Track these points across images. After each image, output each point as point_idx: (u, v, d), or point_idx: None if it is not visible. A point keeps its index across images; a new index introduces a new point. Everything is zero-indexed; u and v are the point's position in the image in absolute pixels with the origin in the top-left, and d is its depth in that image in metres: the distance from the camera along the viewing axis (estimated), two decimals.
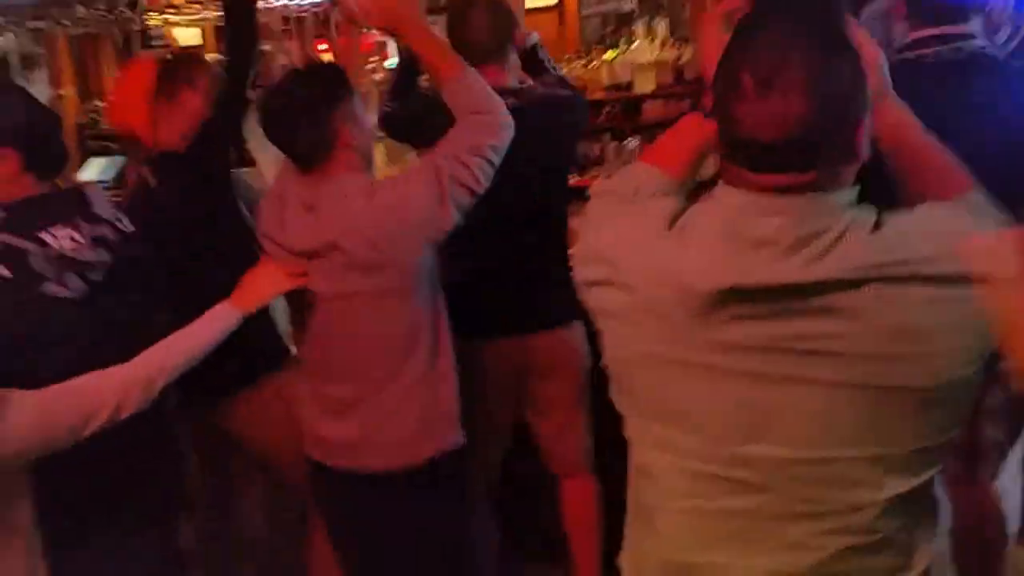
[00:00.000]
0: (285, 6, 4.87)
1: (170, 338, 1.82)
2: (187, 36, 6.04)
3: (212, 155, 2.39)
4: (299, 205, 2.01)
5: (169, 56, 2.79)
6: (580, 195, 1.69)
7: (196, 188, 2.37)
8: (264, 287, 2.02)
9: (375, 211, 1.94)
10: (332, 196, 1.96)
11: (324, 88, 2.00)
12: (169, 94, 2.39)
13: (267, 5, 4.60)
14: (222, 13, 2.54)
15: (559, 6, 5.70)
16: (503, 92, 2.10)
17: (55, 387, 1.63)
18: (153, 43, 6.27)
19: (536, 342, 2.50)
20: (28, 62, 6.51)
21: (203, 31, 6.02)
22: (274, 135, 2.00)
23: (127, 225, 2.00)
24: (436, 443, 2.06)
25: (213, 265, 2.28)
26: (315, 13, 5.12)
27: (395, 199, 1.95)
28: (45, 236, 1.83)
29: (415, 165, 2.29)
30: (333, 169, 1.99)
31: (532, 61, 2.64)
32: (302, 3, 4.91)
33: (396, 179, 2.06)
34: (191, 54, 2.60)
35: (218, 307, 1.92)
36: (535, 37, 2.67)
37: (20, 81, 6.77)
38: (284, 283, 2.03)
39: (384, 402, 2.02)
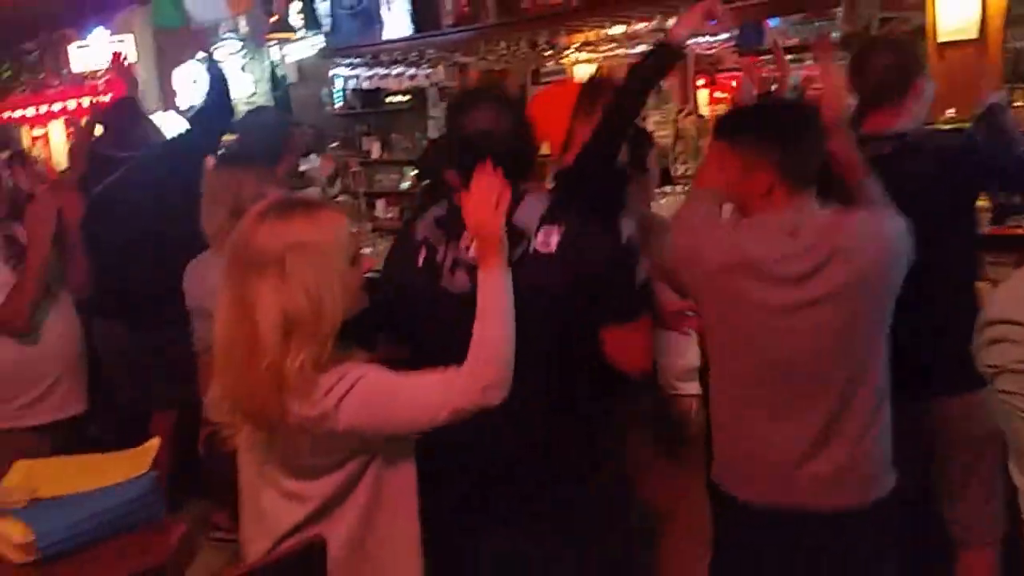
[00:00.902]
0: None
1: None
2: (586, 74, 6.26)
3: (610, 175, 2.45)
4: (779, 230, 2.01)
5: (588, 80, 2.88)
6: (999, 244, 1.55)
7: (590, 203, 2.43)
8: None
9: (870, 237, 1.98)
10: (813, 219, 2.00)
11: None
12: (588, 112, 2.48)
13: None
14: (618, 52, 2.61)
15: (980, 39, 5.12)
16: (883, 137, 2.24)
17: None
18: (551, 80, 6.63)
19: (945, 405, 2.42)
20: (443, 93, 7.18)
21: (599, 69, 6.21)
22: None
23: None
24: (886, 481, 2.06)
25: None
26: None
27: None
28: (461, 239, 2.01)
29: None
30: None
31: (990, 121, 2.56)
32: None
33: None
34: (610, 79, 2.69)
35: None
36: (996, 97, 2.53)
37: (435, 112, 7.54)
38: None
39: (855, 436, 2.01)
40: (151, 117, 4.37)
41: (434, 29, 5.79)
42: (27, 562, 2.00)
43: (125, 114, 4.06)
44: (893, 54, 2.51)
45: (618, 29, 4.74)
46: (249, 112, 4.50)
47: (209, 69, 4.10)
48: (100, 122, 4.13)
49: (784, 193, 2.00)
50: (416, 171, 5.98)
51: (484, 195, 1.87)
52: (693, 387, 2.90)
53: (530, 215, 1.99)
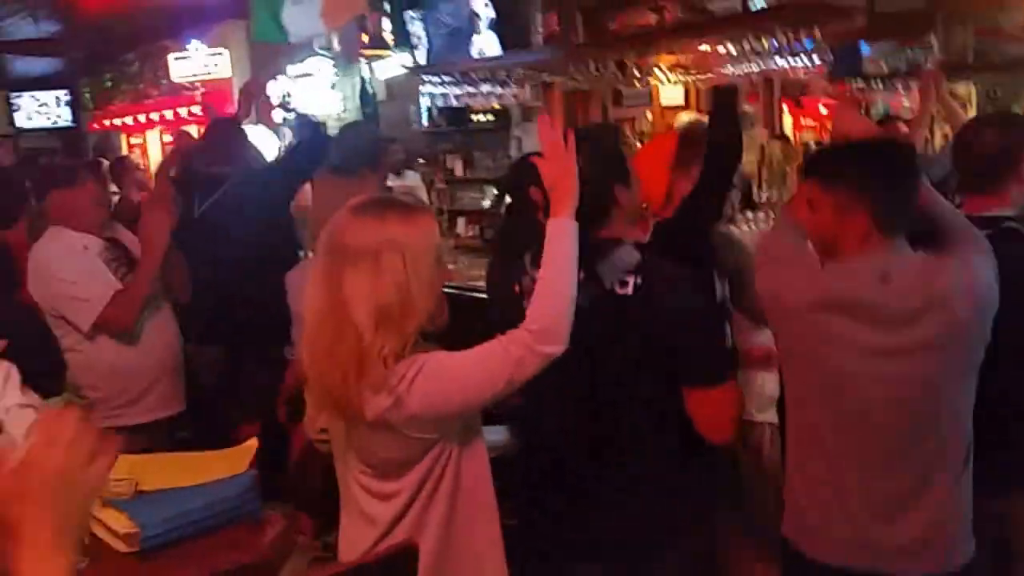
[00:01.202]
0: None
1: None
2: (671, 96, 6.25)
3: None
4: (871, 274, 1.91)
5: (685, 132, 2.91)
6: None
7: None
8: None
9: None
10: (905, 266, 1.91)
11: None
12: (687, 165, 2.50)
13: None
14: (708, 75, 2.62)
15: None
16: (983, 218, 2.14)
17: None
18: (636, 102, 6.63)
19: None
20: (528, 113, 7.24)
21: (686, 91, 6.20)
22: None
23: None
24: (969, 546, 1.95)
25: None
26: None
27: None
28: None
29: None
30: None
31: None
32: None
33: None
34: (701, 130, 2.69)
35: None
36: None
37: (517, 131, 7.61)
38: None
39: (943, 497, 1.91)
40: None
41: (522, 48, 5.84)
42: (130, 552, 2.07)
43: (226, 133, 4.15)
44: (1000, 135, 2.36)
45: (708, 50, 4.71)
46: (346, 126, 4.60)
47: (304, 126, 4.16)
48: (200, 140, 4.22)
49: (880, 238, 1.90)
50: (497, 190, 6.04)
51: (554, 147, 1.90)
52: (769, 416, 2.89)
53: (612, 267, 1.99)
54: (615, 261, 2.00)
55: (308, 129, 4.00)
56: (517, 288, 2.12)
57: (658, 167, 2.61)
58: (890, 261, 1.89)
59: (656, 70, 5.07)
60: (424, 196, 6.54)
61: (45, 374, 2.91)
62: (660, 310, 1.97)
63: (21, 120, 12.15)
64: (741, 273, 2.55)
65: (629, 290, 1.98)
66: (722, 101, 2.53)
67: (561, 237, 1.84)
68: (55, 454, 1.03)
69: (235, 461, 2.40)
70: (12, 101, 12.08)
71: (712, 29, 4.73)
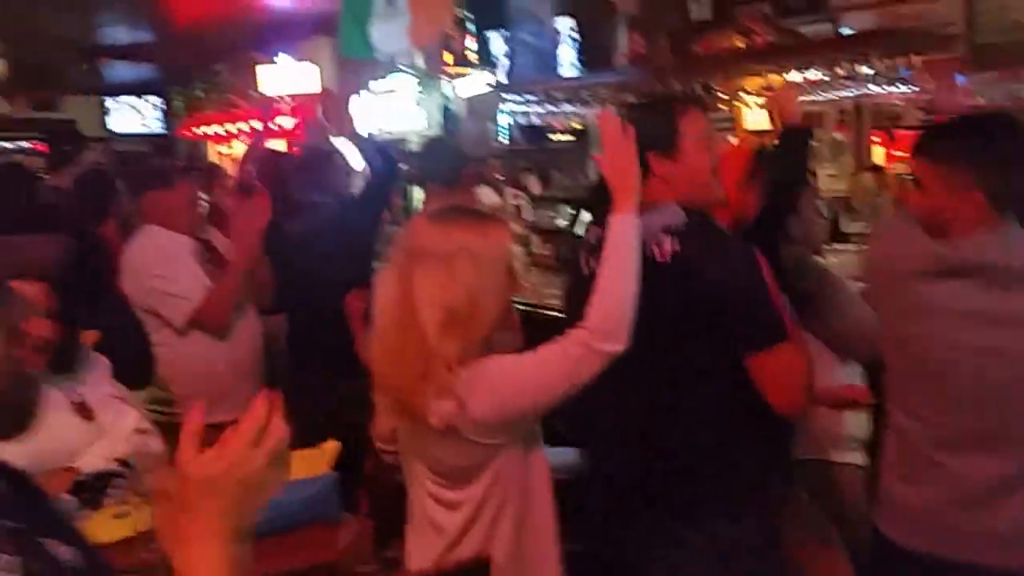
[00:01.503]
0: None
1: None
2: (756, 120, 6.17)
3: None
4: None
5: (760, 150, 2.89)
6: None
7: None
8: None
9: None
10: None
11: None
12: (754, 182, 2.50)
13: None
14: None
15: None
16: None
17: None
18: (717, 125, 6.56)
19: None
20: None
21: (772, 116, 6.11)
22: None
23: None
24: None
25: None
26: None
27: None
28: None
29: None
30: None
31: None
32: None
33: None
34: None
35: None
36: None
37: (596, 150, 7.59)
38: None
39: None
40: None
41: (605, 69, 5.86)
42: None
43: (320, 162, 4.16)
44: None
45: (796, 76, 4.65)
46: (429, 141, 4.64)
47: (375, 154, 4.18)
48: (295, 165, 4.27)
49: (994, 217, 1.82)
50: (573, 209, 6.03)
51: (616, 141, 1.89)
52: (853, 457, 2.80)
53: (652, 222, 1.97)
54: (653, 216, 1.97)
55: (379, 159, 4.04)
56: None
57: (729, 180, 2.57)
58: (1008, 234, 1.83)
59: (742, 94, 5.01)
60: (528, 215, 6.52)
61: (134, 367, 2.98)
62: (700, 278, 1.95)
63: (114, 125, 12.57)
64: (820, 300, 2.47)
65: (668, 258, 1.97)
66: (793, 143, 2.46)
67: (622, 233, 1.83)
68: (256, 457, 1.04)
69: (314, 463, 2.43)
70: (106, 106, 12.51)
71: (803, 54, 4.67)
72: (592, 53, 6.13)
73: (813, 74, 4.53)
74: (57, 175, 5.66)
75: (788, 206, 2.43)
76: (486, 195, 6.42)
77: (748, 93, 5.15)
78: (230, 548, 1.02)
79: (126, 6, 7.92)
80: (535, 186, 8.20)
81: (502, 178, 8.06)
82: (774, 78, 4.93)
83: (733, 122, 6.31)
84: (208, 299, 3.14)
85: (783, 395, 1.97)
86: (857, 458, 2.78)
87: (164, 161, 4.93)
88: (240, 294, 3.24)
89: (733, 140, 6.52)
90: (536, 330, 1.99)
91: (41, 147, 10.45)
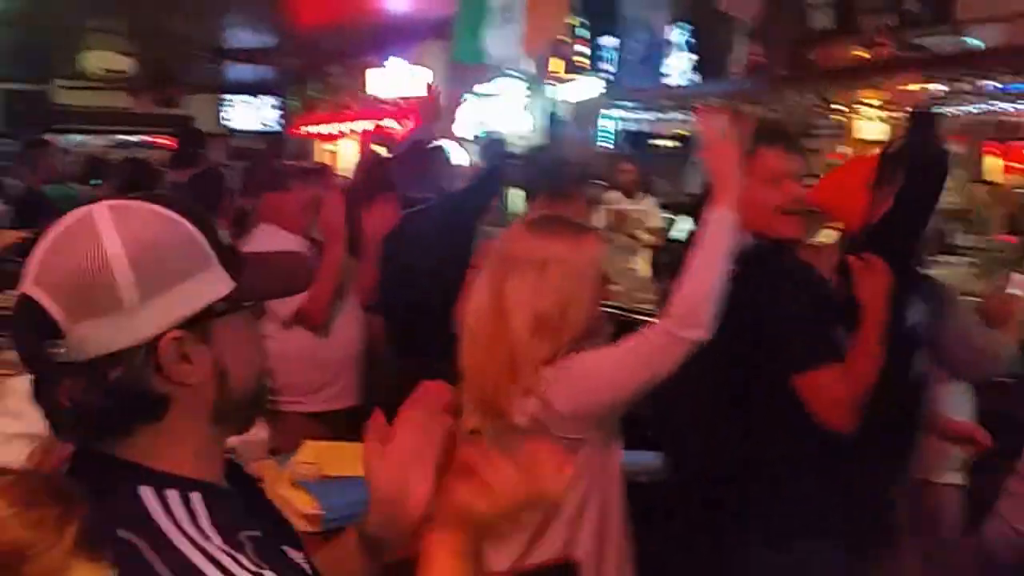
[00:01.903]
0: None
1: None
2: (873, 130, 6.00)
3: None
4: None
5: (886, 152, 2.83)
6: None
7: None
8: None
9: None
10: None
11: None
12: (888, 185, 2.41)
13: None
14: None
15: None
16: None
17: None
18: (826, 134, 6.40)
19: None
20: None
21: (891, 128, 5.95)
22: None
23: None
24: None
25: None
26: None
27: None
28: None
29: None
30: None
31: None
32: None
33: None
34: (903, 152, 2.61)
35: None
36: None
37: (698, 159, 7.51)
38: None
39: None
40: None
41: (717, 77, 5.78)
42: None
43: (428, 160, 4.18)
44: None
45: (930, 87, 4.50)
46: (537, 149, 4.65)
47: (489, 152, 4.19)
48: (401, 161, 4.32)
49: None
50: (673, 215, 5.96)
51: (717, 139, 1.93)
52: (954, 478, 2.72)
53: None
54: None
55: (493, 159, 4.05)
56: None
57: (856, 185, 2.52)
58: None
59: (860, 106, 4.88)
60: (656, 222, 6.46)
61: None
62: (749, 299, 1.95)
63: (232, 121, 13.04)
64: (940, 321, 2.38)
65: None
66: (922, 123, 2.40)
67: (718, 227, 1.84)
68: (543, 487, 1.04)
69: None
70: (225, 103, 12.98)
71: (927, 67, 4.52)
72: (706, 61, 6.05)
73: (936, 87, 4.38)
74: (177, 171, 5.89)
75: (928, 200, 2.40)
76: (614, 200, 6.36)
77: (866, 105, 5.01)
78: (471, 567, 1.03)
79: (250, 11, 8.20)
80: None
81: (603, 183, 8.06)
82: (899, 89, 4.80)
83: (843, 131, 6.16)
84: (310, 296, 3.21)
85: (826, 413, 2.01)
86: (958, 478, 2.70)
87: (282, 164, 5.07)
88: (335, 291, 3.31)
89: (844, 150, 6.37)
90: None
91: (162, 142, 10.87)
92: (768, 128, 2.40)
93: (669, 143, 7.83)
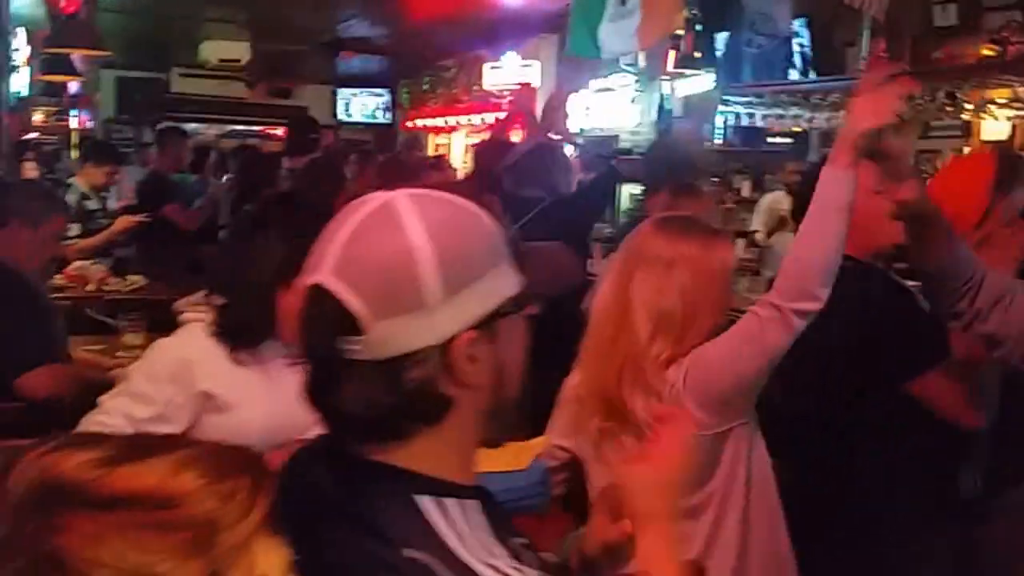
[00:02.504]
0: None
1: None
2: (995, 130, 5.78)
3: None
4: None
5: (1005, 152, 2.73)
6: None
7: None
8: None
9: None
10: None
11: None
12: (1008, 187, 2.37)
13: None
14: None
15: None
16: None
17: None
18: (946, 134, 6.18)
19: None
20: (825, 139, 6.94)
21: (1014, 128, 5.71)
22: None
23: None
24: None
25: None
26: None
27: None
28: None
29: None
30: None
31: None
32: None
33: None
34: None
35: None
36: None
37: (814, 156, 7.32)
38: None
39: None
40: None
41: (837, 74, 5.64)
42: None
43: (545, 160, 4.19)
44: None
45: None
46: (656, 146, 4.62)
47: (595, 157, 4.17)
48: (518, 161, 4.33)
49: None
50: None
51: (873, 87, 1.75)
52: None
53: None
54: None
55: (602, 163, 4.05)
56: None
57: (976, 185, 2.44)
58: None
59: (990, 104, 4.70)
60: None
61: None
62: (846, 315, 1.91)
63: (343, 113, 13.30)
64: None
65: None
66: None
67: (832, 188, 1.70)
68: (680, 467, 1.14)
69: (521, 456, 2.48)
70: (338, 95, 13.26)
71: None
72: (825, 57, 5.90)
73: None
74: (292, 159, 6.05)
75: None
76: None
77: (995, 104, 4.82)
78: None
79: (365, 3, 8.36)
80: (746, 188, 8.02)
81: (714, 178, 7.95)
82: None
83: (963, 132, 5.93)
84: None
85: (951, 410, 2.02)
86: None
87: (410, 155, 5.18)
88: None
89: (966, 150, 6.13)
90: None
91: (274, 132, 11.13)
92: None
93: (783, 140, 7.66)
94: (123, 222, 5.29)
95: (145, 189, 6.24)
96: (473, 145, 5.51)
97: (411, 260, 0.85)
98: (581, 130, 8.28)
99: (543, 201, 3.96)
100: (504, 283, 0.91)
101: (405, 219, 0.87)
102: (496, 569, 0.84)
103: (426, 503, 0.87)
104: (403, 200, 0.89)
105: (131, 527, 0.69)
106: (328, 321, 0.87)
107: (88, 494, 0.70)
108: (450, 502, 0.88)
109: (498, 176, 4.17)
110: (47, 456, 0.73)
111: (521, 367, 0.98)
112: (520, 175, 4.15)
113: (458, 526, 0.87)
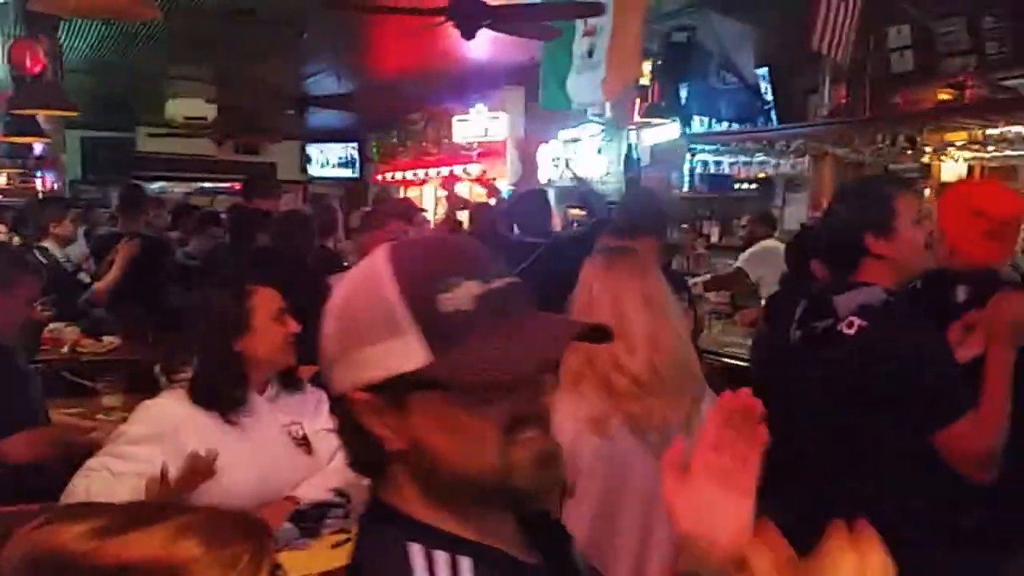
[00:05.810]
0: None
1: None
2: (954, 171, 5.92)
3: None
4: None
5: None
6: None
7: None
8: None
9: None
10: None
11: None
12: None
13: None
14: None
15: None
16: None
17: None
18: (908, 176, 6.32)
19: None
20: (790, 184, 7.07)
21: (970, 169, 5.85)
22: None
23: None
24: None
25: None
26: None
27: None
28: None
29: None
30: None
31: None
32: None
33: None
34: None
35: None
36: None
37: (779, 202, 7.46)
38: None
39: None
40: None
41: (798, 120, 5.77)
42: None
43: (536, 205, 4.37)
44: None
45: (1014, 129, 4.44)
46: (632, 192, 4.69)
47: (592, 196, 4.26)
48: (513, 207, 4.45)
49: None
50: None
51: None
52: None
53: (849, 301, 2.06)
54: (855, 295, 2.06)
55: (599, 202, 4.15)
56: None
57: (954, 214, 2.55)
58: None
59: (948, 147, 4.83)
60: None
61: None
62: (879, 356, 1.98)
63: (313, 168, 13.32)
64: None
65: (853, 332, 2.02)
66: None
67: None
68: None
69: None
70: (307, 151, 13.29)
71: (1013, 108, 4.46)
72: (785, 105, 6.04)
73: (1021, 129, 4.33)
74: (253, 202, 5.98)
75: None
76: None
77: (953, 146, 4.96)
78: None
79: (332, 59, 8.43)
80: (714, 234, 8.11)
81: (683, 224, 8.04)
82: (980, 133, 4.74)
83: (921, 174, 6.07)
84: None
85: (963, 467, 2.00)
86: None
87: (377, 205, 5.24)
88: None
89: (927, 192, 6.27)
90: (716, 379, 2.03)
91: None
92: (897, 177, 2.47)
93: (749, 186, 7.77)
94: (128, 248, 5.19)
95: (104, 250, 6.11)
96: (451, 197, 5.62)
97: (326, 316, 0.96)
98: (550, 180, 8.37)
99: (541, 248, 4.05)
100: (400, 358, 0.88)
101: (342, 285, 0.98)
102: None
103: (415, 551, 0.88)
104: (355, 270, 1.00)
105: None
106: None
107: (87, 566, 0.68)
108: (439, 555, 0.88)
109: (494, 222, 4.29)
110: (39, 531, 0.71)
111: (464, 453, 0.89)
112: (515, 221, 4.27)
113: None
